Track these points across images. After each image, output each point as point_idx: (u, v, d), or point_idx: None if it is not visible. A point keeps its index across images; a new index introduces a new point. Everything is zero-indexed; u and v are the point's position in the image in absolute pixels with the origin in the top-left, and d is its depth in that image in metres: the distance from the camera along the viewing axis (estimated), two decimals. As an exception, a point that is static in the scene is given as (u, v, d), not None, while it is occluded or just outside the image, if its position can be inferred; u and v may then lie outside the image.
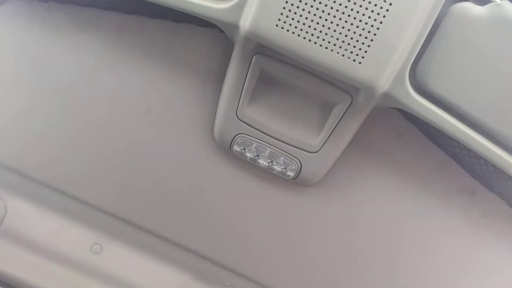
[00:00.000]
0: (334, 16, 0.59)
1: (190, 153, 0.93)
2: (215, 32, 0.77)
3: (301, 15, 0.60)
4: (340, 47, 0.61)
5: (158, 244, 1.06)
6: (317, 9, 0.59)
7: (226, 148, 0.87)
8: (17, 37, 0.88)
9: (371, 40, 0.60)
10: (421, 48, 0.62)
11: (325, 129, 0.77)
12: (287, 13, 0.60)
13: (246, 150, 0.85)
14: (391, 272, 0.99)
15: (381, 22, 0.59)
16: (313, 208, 0.95)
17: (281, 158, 0.83)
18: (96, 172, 1.00)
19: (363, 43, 0.60)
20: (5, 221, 1.02)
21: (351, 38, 0.60)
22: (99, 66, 0.87)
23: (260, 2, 0.61)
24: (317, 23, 0.60)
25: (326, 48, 0.61)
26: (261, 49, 0.68)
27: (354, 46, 0.61)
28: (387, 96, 0.66)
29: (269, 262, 1.05)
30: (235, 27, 0.66)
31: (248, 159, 0.86)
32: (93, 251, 1.04)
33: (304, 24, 0.60)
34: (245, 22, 0.63)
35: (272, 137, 0.81)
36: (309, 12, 0.60)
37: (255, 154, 0.85)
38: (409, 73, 0.64)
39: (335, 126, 0.76)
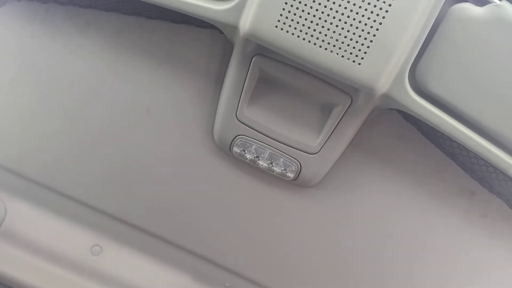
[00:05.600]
0: (334, 17, 0.59)
1: (190, 155, 0.93)
2: (215, 33, 0.77)
3: (300, 16, 0.60)
4: (340, 48, 0.61)
5: (158, 245, 1.06)
6: (316, 10, 0.59)
7: (225, 150, 0.87)
8: (17, 39, 0.88)
9: (371, 41, 0.60)
10: (420, 49, 0.62)
11: (324, 130, 0.77)
12: (286, 14, 0.60)
13: (246, 152, 0.85)
14: (391, 272, 0.99)
15: (380, 23, 0.59)
16: (313, 209, 0.94)
17: (281, 159, 0.83)
18: (96, 173, 1.00)
19: (362, 44, 0.60)
20: (5, 222, 1.02)
21: (351, 39, 0.60)
22: (99, 67, 0.87)
23: (260, 3, 0.61)
24: (317, 24, 0.60)
25: (326, 49, 0.61)
26: (261, 50, 0.68)
27: (354, 47, 0.61)
28: (386, 97, 0.66)
29: (269, 263, 1.05)
30: (234, 28, 0.66)
31: (247, 160, 0.86)
32: (92, 252, 1.04)
33: (303, 25, 0.60)
34: (245, 23, 0.63)
35: (271, 138, 0.81)
36: (308, 13, 0.60)
37: (255, 155, 0.85)
38: (409, 74, 0.64)
39: (335, 127, 0.76)
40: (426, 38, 0.62)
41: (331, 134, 0.77)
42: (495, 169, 0.73)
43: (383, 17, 0.58)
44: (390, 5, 0.58)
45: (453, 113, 0.66)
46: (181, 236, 1.05)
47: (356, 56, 0.61)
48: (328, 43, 0.61)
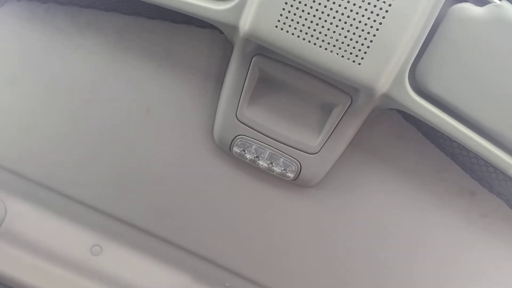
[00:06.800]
0: (334, 17, 0.59)
1: (190, 155, 0.93)
2: (215, 33, 0.77)
3: (300, 16, 0.60)
4: (340, 48, 0.61)
5: (158, 245, 1.06)
6: (316, 10, 0.59)
7: (226, 150, 0.87)
8: (17, 39, 0.88)
9: (371, 41, 0.60)
10: (420, 49, 0.62)
11: (324, 130, 0.77)
12: (286, 14, 0.60)
13: (246, 152, 0.85)
14: (391, 272, 0.99)
15: (380, 23, 0.59)
16: (313, 209, 0.94)
17: (281, 159, 0.83)
18: (96, 173, 1.00)
19: (362, 44, 0.60)
20: (5, 222, 1.02)
21: (351, 39, 0.60)
22: (99, 67, 0.87)
23: (259, 3, 0.61)
24: (317, 24, 0.60)
25: (326, 49, 0.61)
26: (261, 50, 0.68)
27: (354, 47, 0.61)
28: (386, 97, 0.66)
29: (269, 263, 1.05)
30: (234, 28, 0.66)
31: (247, 161, 0.86)
32: (92, 252, 1.04)
33: (303, 25, 0.60)
34: (245, 23, 0.63)
35: (272, 138, 0.81)
36: (308, 13, 0.60)
37: (255, 155, 0.85)
38: (409, 74, 0.64)
39: (335, 127, 0.76)
40: (426, 38, 0.62)
41: (331, 134, 0.77)
42: (495, 169, 0.73)
43: (383, 17, 0.58)
44: (390, 5, 0.58)
45: (453, 113, 0.66)
46: (181, 236, 1.05)
47: (356, 56, 0.61)
48: (328, 43, 0.61)
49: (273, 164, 0.85)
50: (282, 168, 0.85)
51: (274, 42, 0.63)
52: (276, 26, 0.61)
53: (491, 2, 0.60)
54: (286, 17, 0.60)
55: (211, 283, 1.06)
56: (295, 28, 0.61)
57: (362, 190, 0.89)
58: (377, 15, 0.58)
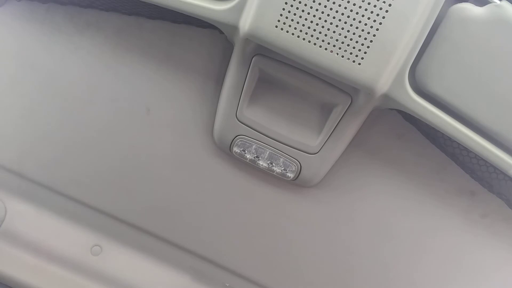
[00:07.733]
0: (334, 17, 0.59)
1: (190, 155, 0.93)
2: (215, 33, 0.77)
3: (300, 16, 0.60)
4: (340, 48, 0.61)
5: (158, 245, 1.06)
6: (316, 10, 0.59)
7: (225, 150, 0.87)
8: (17, 39, 0.88)
9: (371, 41, 0.60)
10: (420, 49, 0.62)
11: (324, 130, 0.77)
12: (286, 14, 0.60)
13: (246, 152, 0.85)
14: (390, 273, 0.99)
15: (380, 23, 0.59)
16: (313, 209, 0.94)
17: (281, 159, 0.83)
18: (95, 173, 1.00)
19: (362, 44, 0.60)
20: (4, 222, 1.02)
21: (351, 39, 0.60)
22: (98, 67, 0.87)
23: (260, 3, 0.61)
24: (317, 24, 0.60)
25: (326, 49, 0.61)
26: (261, 50, 0.68)
27: (354, 47, 0.61)
28: (386, 97, 0.66)
29: (269, 263, 1.05)
30: (234, 28, 0.66)
31: (247, 161, 0.86)
32: (92, 252, 1.04)
33: (303, 25, 0.60)
34: (245, 24, 0.63)
35: (271, 138, 0.81)
36: (308, 13, 0.60)
37: (255, 155, 0.85)
38: (409, 74, 0.64)
39: (335, 127, 0.76)
40: (426, 38, 0.62)
41: (331, 134, 0.77)
42: (495, 169, 0.73)
43: (383, 17, 0.58)
44: (390, 5, 0.58)
45: (453, 113, 0.66)
46: (181, 236, 1.05)
47: (356, 56, 0.61)
48: (328, 43, 0.61)
49: (273, 164, 0.85)
50: (282, 168, 0.85)
51: (274, 42, 0.63)
52: (276, 26, 0.61)
53: (491, 2, 0.60)
54: (286, 17, 0.60)
55: (211, 283, 1.06)
56: (295, 28, 0.61)
57: (362, 190, 0.89)
58: (377, 15, 0.58)
